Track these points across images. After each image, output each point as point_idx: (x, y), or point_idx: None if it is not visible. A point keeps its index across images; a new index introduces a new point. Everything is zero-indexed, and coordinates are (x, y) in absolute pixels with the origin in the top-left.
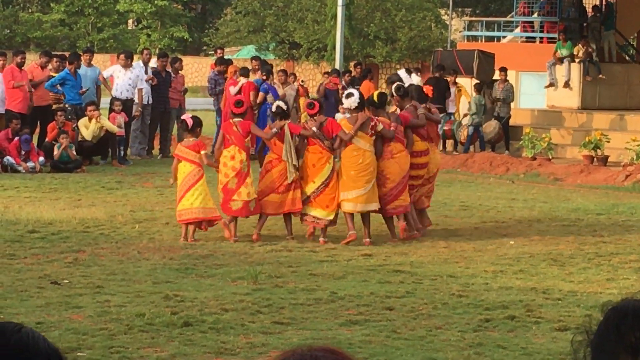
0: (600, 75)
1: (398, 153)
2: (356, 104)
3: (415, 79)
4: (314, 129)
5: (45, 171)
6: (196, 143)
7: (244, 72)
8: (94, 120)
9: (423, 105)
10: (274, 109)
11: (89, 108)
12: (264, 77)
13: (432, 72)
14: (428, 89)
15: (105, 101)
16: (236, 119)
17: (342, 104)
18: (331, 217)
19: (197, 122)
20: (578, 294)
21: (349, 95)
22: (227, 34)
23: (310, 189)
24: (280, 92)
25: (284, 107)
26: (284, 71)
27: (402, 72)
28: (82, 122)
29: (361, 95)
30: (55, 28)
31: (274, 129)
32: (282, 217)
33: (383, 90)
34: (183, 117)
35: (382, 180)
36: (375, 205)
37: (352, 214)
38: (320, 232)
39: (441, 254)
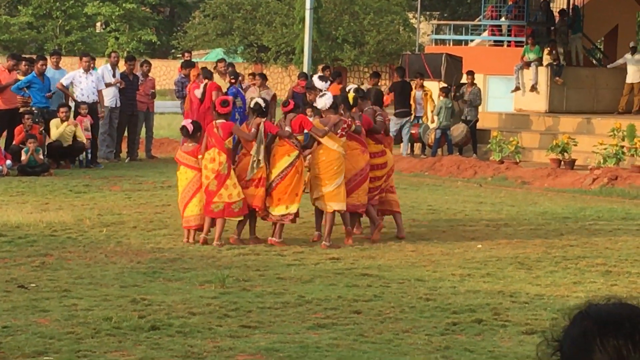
0: (557, 78)
1: (352, 150)
2: (330, 104)
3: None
4: (288, 128)
5: (12, 174)
6: (195, 148)
7: (207, 73)
8: (64, 123)
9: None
10: (252, 105)
11: (62, 109)
12: (232, 81)
13: (394, 76)
14: (387, 98)
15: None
16: (219, 120)
17: (309, 106)
18: (293, 210)
19: (197, 127)
20: (545, 298)
21: (323, 95)
22: (196, 37)
23: (269, 178)
24: (250, 96)
25: (262, 105)
26: (262, 75)
27: (315, 78)
28: (54, 122)
29: (334, 96)
30: (23, 31)
31: (253, 129)
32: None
33: (359, 89)
34: (183, 122)
35: None
36: (341, 206)
37: (320, 214)
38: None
39: (409, 257)
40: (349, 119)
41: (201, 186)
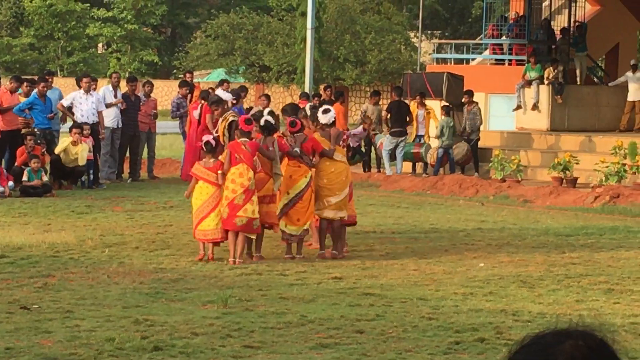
0: (558, 97)
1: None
2: (333, 119)
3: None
4: (297, 149)
5: (14, 196)
6: (217, 164)
7: (204, 94)
8: (70, 139)
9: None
10: (262, 123)
11: (74, 130)
12: (234, 101)
13: (393, 95)
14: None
15: (67, 126)
16: (243, 139)
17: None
18: (305, 228)
19: (217, 143)
20: (547, 316)
21: (327, 110)
22: (197, 57)
23: (284, 200)
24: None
25: (273, 122)
26: (267, 95)
27: (220, 91)
28: (65, 140)
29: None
30: (25, 52)
31: (271, 148)
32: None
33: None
34: (206, 138)
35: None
36: (344, 213)
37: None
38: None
39: (411, 276)
40: (346, 132)
41: (220, 202)
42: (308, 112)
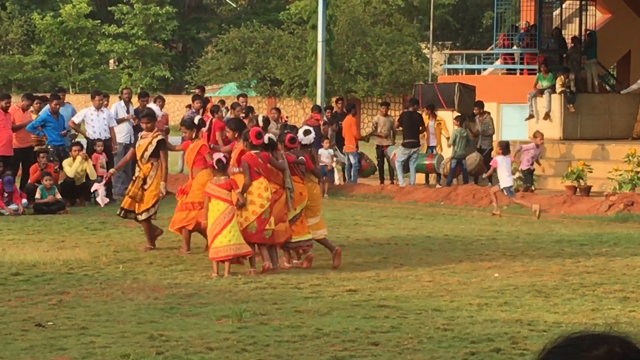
0: (570, 106)
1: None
2: (312, 140)
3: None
4: (301, 157)
5: (28, 213)
6: (228, 182)
7: (214, 109)
8: (78, 159)
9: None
10: (266, 141)
11: (74, 148)
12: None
13: (406, 106)
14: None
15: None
16: (255, 151)
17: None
18: (309, 237)
19: (228, 160)
20: (563, 325)
21: (308, 132)
22: (209, 72)
23: (290, 215)
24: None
25: (275, 139)
26: (277, 109)
27: (152, 105)
28: (67, 161)
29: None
30: (36, 69)
31: (281, 160)
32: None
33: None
34: (217, 156)
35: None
36: (324, 231)
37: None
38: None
39: (426, 287)
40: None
41: (232, 218)
42: (260, 123)
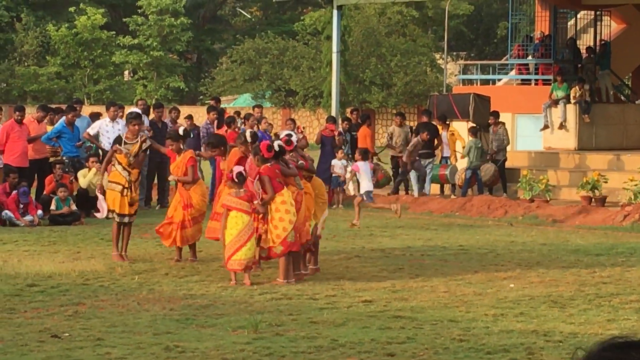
0: (585, 116)
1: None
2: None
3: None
4: (301, 162)
5: (43, 224)
6: (250, 194)
7: (229, 120)
8: (93, 170)
9: None
10: (276, 148)
11: (92, 159)
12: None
13: (422, 118)
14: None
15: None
16: (269, 164)
17: (339, 149)
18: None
19: (246, 173)
20: (579, 336)
21: (290, 136)
22: (223, 82)
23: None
24: None
25: (284, 146)
26: (292, 120)
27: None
28: (82, 172)
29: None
30: (51, 81)
31: (292, 166)
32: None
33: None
34: (237, 169)
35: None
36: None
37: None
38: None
39: (441, 298)
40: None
41: (254, 232)
42: (248, 139)
